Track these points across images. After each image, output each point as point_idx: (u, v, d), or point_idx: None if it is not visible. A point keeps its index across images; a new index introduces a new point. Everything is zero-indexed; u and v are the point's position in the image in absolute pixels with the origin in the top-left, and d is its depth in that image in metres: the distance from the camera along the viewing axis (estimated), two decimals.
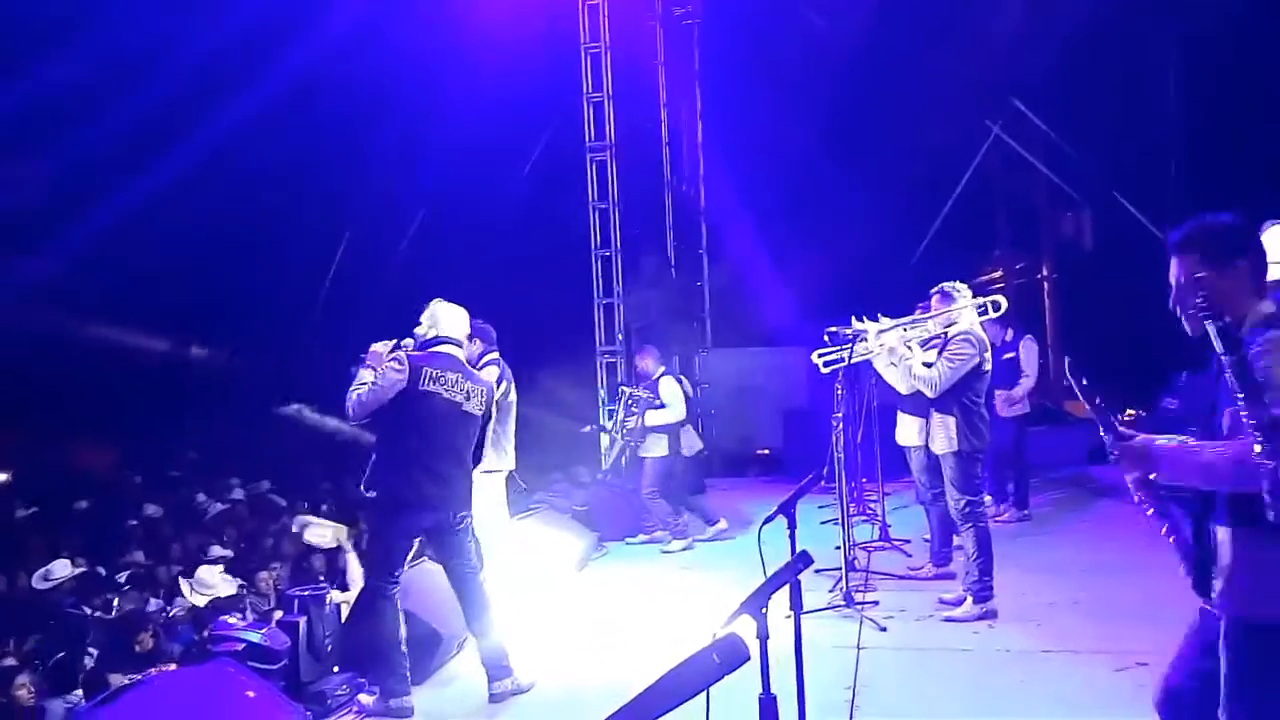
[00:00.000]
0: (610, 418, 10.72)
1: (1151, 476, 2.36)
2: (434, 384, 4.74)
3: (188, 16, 11.99)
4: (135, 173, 12.41)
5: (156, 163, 12.44)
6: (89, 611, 6.15)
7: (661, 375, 8.33)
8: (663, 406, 8.22)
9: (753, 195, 12.10)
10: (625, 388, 8.94)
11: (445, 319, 5.01)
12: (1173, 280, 2.51)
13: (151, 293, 13.01)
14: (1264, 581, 2.28)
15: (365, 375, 4.69)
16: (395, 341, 4.88)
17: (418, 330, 5.01)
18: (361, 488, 4.90)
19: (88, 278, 12.63)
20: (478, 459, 5.09)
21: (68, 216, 12.27)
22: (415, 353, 4.83)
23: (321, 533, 6.73)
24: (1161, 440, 2.35)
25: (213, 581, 6.35)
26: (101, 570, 7.43)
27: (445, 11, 12.05)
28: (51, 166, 12.05)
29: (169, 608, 6.28)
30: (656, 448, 8.16)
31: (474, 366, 6.27)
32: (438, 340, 4.96)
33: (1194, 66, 10.86)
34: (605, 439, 10.72)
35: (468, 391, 4.88)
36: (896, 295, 8.05)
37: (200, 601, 6.15)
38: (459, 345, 5.06)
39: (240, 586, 6.31)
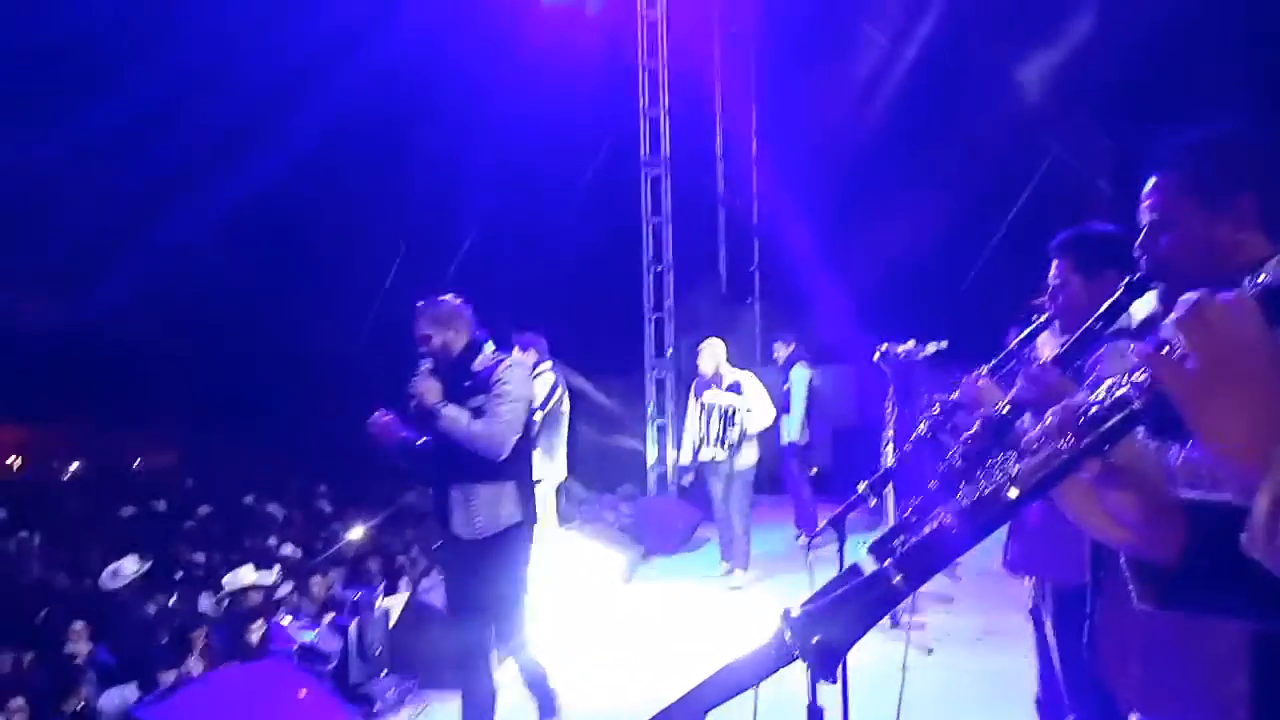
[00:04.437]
0: (660, 431, 10.74)
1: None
2: (532, 385, 4.31)
3: (242, 40, 12.32)
4: (194, 195, 12.76)
5: (214, 184, 12.77)
6: (151, 609, 6.30)
7: (741, 375, 7.47)
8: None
9: (806, 212, 12.06)
10: (710, 394, 7.47)
11: (470, 313, 4.20)
12: (1049, 280, 2.74)
13: (207, 308, 13.33)
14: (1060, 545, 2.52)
15: (452, 412, 3.89)
16: (428, 368, 4.03)
17: (447, 339, 4.08)
18: (478, 529, 4.01)
19: (156, 291, 12.99)
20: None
21: (134, 236, 12.63)
22: (523, 357, 4.47)
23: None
24: None
25: (241, 581, 6.24)
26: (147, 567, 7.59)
27: (504, 29, 12.23)
28: (111, 186, 12.45)
29: (218, 607, 6.39)
30: (749, 455, 7.39)
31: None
32: (483, 337, 4.21)
33: (1263, 85, 10.63)
34: (652, 452, 10.72)
35: None
36: (951, 315, 7.95)
37: (222, 603, 6.04)
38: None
39: (292, 590, 6.41)
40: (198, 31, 12.26)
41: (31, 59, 11.49)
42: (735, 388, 7.25)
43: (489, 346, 4.19)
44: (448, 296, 4.20)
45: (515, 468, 4.06)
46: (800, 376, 8.56)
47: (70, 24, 11.60)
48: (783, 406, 8.49)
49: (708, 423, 7.21)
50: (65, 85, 11.90)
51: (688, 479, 7.43)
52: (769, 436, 8.77)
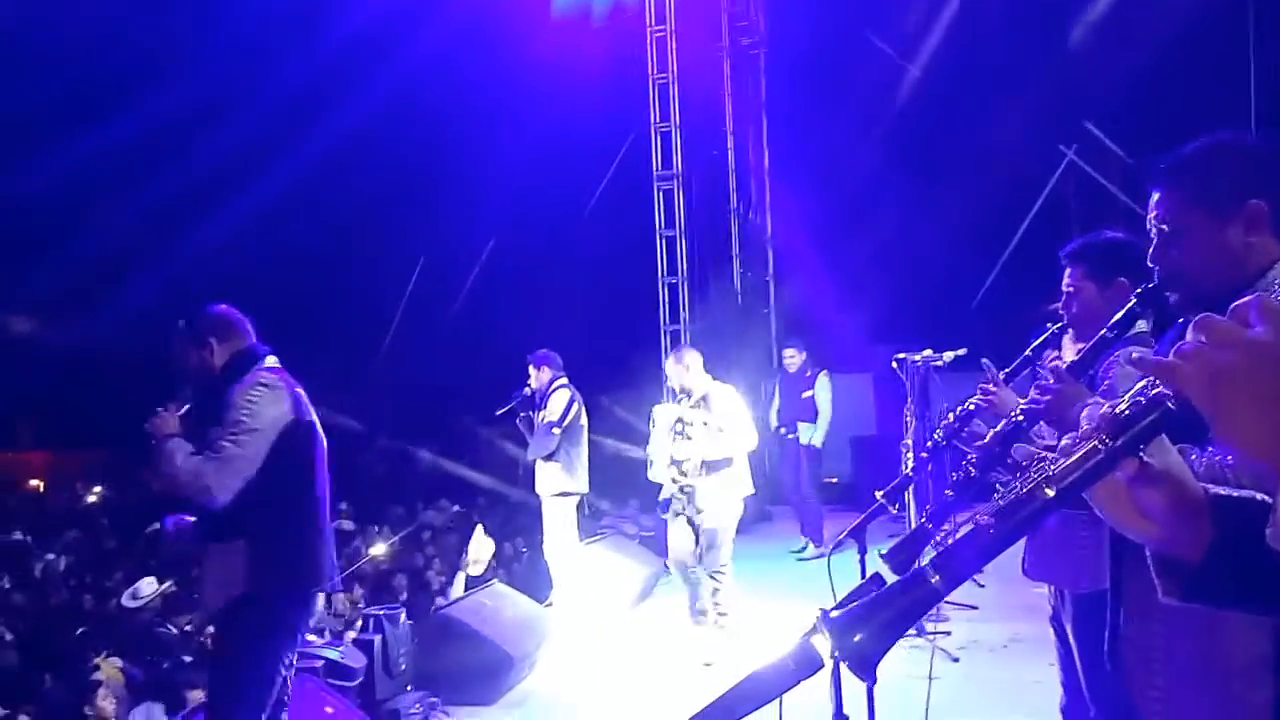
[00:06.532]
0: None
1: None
2: (309, 408, 3.36)
3: (259, 58, 12.47)
4: (213, 210, 12.88)
5: (234, 199, 12.90)
6: (173, 630, 6.35)
7: (711, 388, 5.70)
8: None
9: (819, 222, 12.09)
10: (659, 409, 5.95)
11: (234, 320, 3.46)
12: (1063, 288, 2.78)
13: None
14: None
15: (170, 446, 3.14)
16: (180, 406, 3.30)
17: (204, 358, 3.37)
18: (206, 600, 3.37)
19: (169, 306, 13.10)
20: None
21: (155, 255, 12.77)
22: (273, 368, 3.35)
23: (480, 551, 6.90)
24: None
25: None
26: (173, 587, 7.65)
27: (515, 45, 12.33)
28: (131, 203, 12.60)
29: None
30: (723, 494, 5.64)
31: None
32: (259, 349, 3.42)
33: (1274, 86, 10.60)
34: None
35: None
36: (968, 323, 7.96)
37: None
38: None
39: (321, 608, 6.46)
40: (214, 49, 12.43)
41: (40, 82, 11.63)
42: (705, 402, 5.57)
43: (270, 362, 3.37)
44: (222, 307, 3.48)
45: (252, 520, 3.14)
46: (828, 384, 8.78)
47: (86, 40, 11.77)
48: (800, 414, 8.71)
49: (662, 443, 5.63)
50: (80, 103, 12.05)
51: (669, 515, 5.80)
52: (766, 454, 8.87)
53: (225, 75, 12.45)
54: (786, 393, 8.92)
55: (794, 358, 8.90)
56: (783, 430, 8.89)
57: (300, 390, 3.33)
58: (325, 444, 3.43)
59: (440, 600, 6.86)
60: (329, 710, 4.14)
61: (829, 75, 12.31)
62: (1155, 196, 1.81)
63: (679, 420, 5.49)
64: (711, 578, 5.65)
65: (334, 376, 13.93)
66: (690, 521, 5.61)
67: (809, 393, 8.71)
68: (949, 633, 5.78)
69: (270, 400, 3.18)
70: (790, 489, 8.97)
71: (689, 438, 5.45)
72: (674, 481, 5.55)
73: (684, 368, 5.62)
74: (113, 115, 11.93)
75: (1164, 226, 1.78)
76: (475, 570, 6.85)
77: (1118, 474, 0.99)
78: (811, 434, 8.69)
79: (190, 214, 12.84)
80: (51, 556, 8.98)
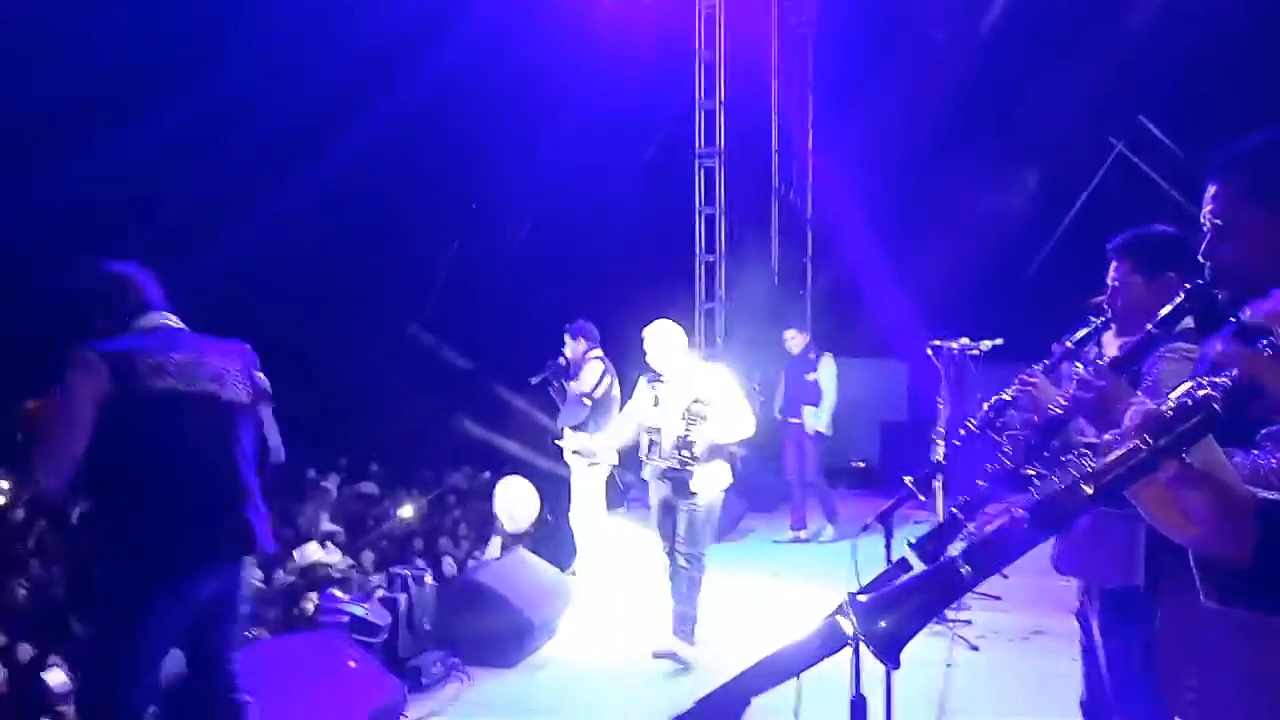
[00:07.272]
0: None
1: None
2: (160, 376, 2.99)
3: (314, 34, 12.52)
4: (262, 181, 12.99)
5: (282, 172, 13.00)
6: None
7: (701, 369, 5.55)
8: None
9: (862, 206, 11.98)
10: (667, 388, 5.40)
11: (126, 282, 3.19)
12: (1108, 282, 2.76)
13: (265, 288, 13.59)
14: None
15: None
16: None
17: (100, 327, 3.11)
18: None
19: (214, 275, 13.26)
20: (265, 464, 3.39)
21: (202, 225, 12.91)
22: (101, 343, 3.02)
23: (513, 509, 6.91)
24: None
25: (309, 557, 6.54)
26: None
27: (561, 20, 12.28)
28: (186, 181, 12.75)
29: (271, 579, 6.56)
30: (717, 480, 5.38)
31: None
32: (140, 311, 3.15)
33: None
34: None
35: (217, 373, 3.14)
36: (1006, 313, 7.87)
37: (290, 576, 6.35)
38: (169, 312, 3.24)
39: (350, 566, 6.55)
40: (260, 26, 12.50)
41: (102, 66, 11.75)
42: (687, 384, 5.33)
43: (144, 324, 3.12)
44: (111, 268, 3.24)
45: (97, 503, 3.06)
46: (831, 367, 8.56)
47: (133, 27, 11.86)
48: (804, 397, 8.52)
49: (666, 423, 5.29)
50: (137, 86, 12.16)
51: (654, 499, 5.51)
52: (771, 436, 8.78)
53: (267, 54, 12.51)
54: (790, 376, 8.67)
55: (795, 339, 8.61)
56: (778, 417, 8.66)
57: (142, 355, 2.99)
58: (193, 405, 3.06)
59: (472, 561, 6.94)
60: (351, 664, 4.22)
61: (878, 59, 12.17)
62: (1210, 190, 1.77)
63: (697, 400, 5.18)
64: (688, 563, 5.33)
65: (376, 341, 14.07)
66: (670, 506, 5.36)
67: (813, 375, 8.47)
68: (969, 621, 5.77)
69: (80, 380, 2.90)
70: (791, 475, 8.69)
71: (704, 418, 5.14)
72: (682, 465, 5.18)
73: (664, 347, 5.33)
74: (169, 102, 12.04)
75: (1218, 221, 1.75)
76: (511, 527, 6.89)
77: (1159, 474, 0.98)
78: (815, 418, 8.44)
79: (240, 185, 12.96)
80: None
